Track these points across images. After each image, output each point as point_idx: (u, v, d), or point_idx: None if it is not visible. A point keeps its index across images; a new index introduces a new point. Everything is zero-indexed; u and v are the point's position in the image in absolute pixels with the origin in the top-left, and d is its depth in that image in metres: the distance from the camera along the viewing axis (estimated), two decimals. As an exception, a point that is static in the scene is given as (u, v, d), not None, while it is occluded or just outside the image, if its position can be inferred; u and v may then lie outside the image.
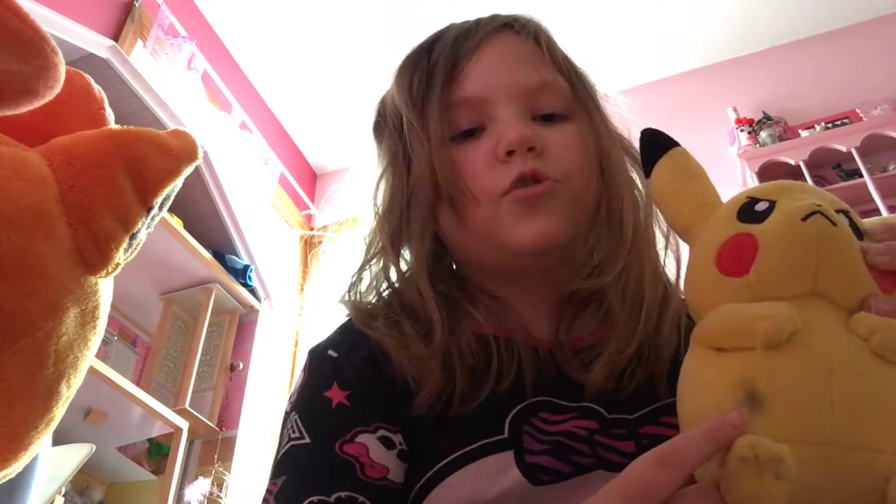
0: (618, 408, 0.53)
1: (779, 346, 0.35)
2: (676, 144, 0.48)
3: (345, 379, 0.54)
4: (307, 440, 0.52)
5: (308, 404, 0.55)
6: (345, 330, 0.60)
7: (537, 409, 0.52)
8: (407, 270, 0.61)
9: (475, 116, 0.59)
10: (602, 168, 0.60)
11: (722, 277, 0.40)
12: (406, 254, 0.62)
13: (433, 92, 0.59)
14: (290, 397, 0.57)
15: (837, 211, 0.40)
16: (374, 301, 0.62)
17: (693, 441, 0.34)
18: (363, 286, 0.63)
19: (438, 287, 0.58)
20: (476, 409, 0.51)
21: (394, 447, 0.52)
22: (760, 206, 0.41)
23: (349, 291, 0.64)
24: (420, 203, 0.59)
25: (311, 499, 0.48)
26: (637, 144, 0.51)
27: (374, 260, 0.63)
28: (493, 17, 0.66)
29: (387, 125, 0.66)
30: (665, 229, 0.60)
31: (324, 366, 0.57)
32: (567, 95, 0.61)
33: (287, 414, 0.56)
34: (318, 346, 0.59)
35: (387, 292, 0.62)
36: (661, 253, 0.60)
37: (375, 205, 0.64)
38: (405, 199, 0.60)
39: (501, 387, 0.52)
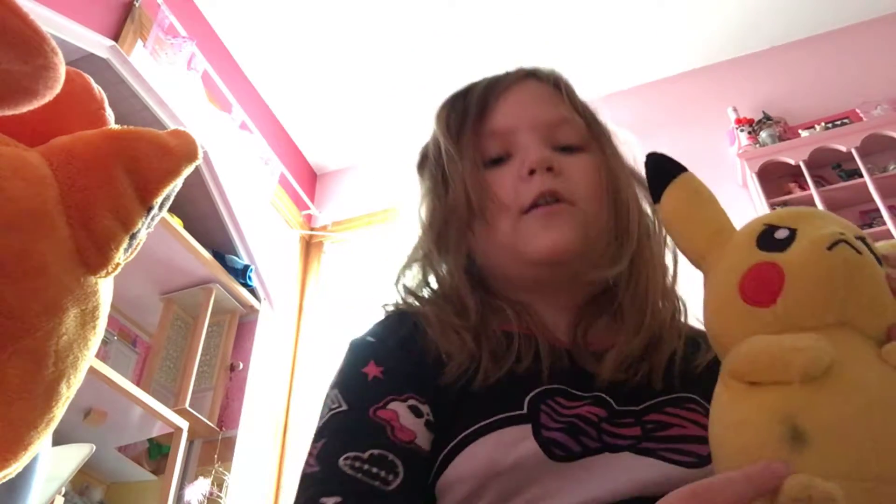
0: (625, 400, 0.58)
1: (816, 380, 0.35)
2: (684, 169, 0.49)
3: (380, 357, 0.62)
4: (345, 407, 0.59)
5: (347, 379, 0.63)
6: (383, 321, 0.70)
7: (554, 394, 0.58)
8: (445, 274, 0.70)
9: (503, 145, 0.69)
10: (613, 194, 0.67)
11: (746, 307, 0.40)
12: (443, 264, 0.71)
13: (467, 125, 0.71)
14: (332, 380, 0.65)
15: (856, 238, 0.39)
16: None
17: (732, 482, 0.35)
18: (408, 282, 0.73)
19: (472, 288, 0.67)
20: (498, 389, 0.58)
21: (421, 416, 0.58)
22: (780, 234, 0.41)
23: (396, 284, 0.73)
24: (456, 219, 0.68)
25: (347, 454, 0.54)
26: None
27: (417, 265, 0.73)
28: (519, 69, 0.79)
29: (428, 159, 0.77)
30: (674, 253, 0.67)
31: (362, 348, 0.65)
32: (583, 131, 0.71)
33: (328, 392, 0.64)
34: (357, 336, 0.68)
35: (426, 293, 0.72)
36: (671, 270, 0.67)
37: (420, 219, 0.75)
38: (443, 217, 0.70)
39: (520, 367, 0.59)
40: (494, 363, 0.59)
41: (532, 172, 0.65)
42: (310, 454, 0.57)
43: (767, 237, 0.41)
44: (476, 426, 0.56)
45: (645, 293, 0.64)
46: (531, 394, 0.57)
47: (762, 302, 0.39)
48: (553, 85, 0.76)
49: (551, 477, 0.53)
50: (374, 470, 0.53)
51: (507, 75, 0.77)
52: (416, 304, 0.69)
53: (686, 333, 0.65)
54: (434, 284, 0.71)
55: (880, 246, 0.42)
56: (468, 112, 0.72)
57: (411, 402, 0.58)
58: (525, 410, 0.56)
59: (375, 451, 0.54)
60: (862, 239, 0.40)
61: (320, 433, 0.59)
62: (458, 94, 0.77)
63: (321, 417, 0.61)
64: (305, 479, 0.56)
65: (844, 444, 0.34)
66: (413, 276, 0.73)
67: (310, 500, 0.53)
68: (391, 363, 0.61)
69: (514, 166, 0.67)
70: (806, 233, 0.40)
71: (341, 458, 0.54)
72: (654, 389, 0.59)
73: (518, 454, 0.53)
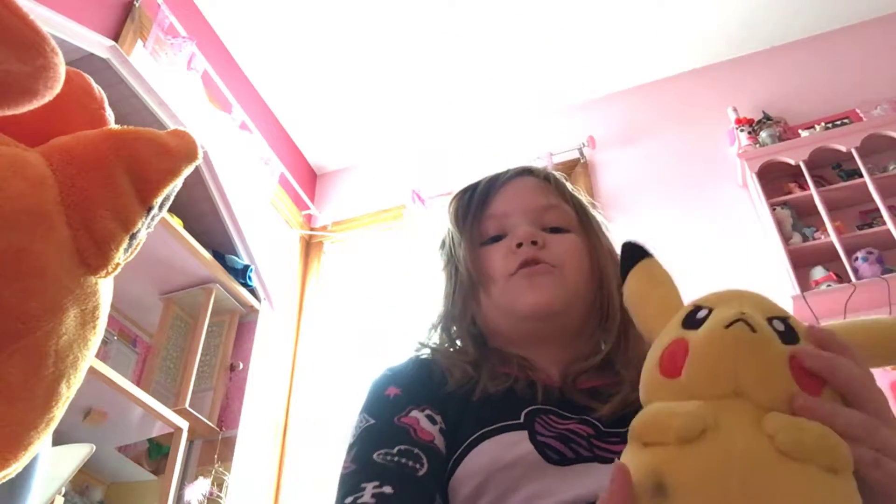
0: (610, 423, 0.67)
1: (690, 442, 0.39)
2: (649, 255, 0.54)
3: (398, 382, 0.74)
4: (372, 421, 0.69)
5: (371, 403, 0.73)
6: (403, 361, 0.81)
7: (547, 412, 0.67)
8: (455, 335, 0.85)
9: (498, 227, 0.82)
10: (598, 271, 0.80)
11: (661, 379, 0.44)
12: (454, 327, 0.85)
13: (470, 212, 0.85)
14: (358, 410, 0.75)
15: (774, 318, 0.44)
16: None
17: None
18: (434, 340, 0.86)
19: (475, 345, 0.81)
20: (497, 402, 0.69)
21: (436, 423, 0.68)
22: (700, 314, 0.45)
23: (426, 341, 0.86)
24: (462, 290, 0.82)
25: (378, 451, 0.64)
26: None
27: (436, 329, 0.86)
28: (518, 167, 0.90)
29: (445, 244, 0.89)
30: None
31: (383, 378, 0.76)
32: (571, 217, 0.83)
33: (356, 419, 0.73)
34: (376, 377, 0.79)
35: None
36: None
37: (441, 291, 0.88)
38: (452, 289, 0.84)
39: (518, 386, 0.71)
40: (492, 381, 0.71)
41: (519, 245, 0.77)
42: (344, 462, 0.66)
43: (691, 317, 0.46)
44: (480, 432, 0.65)
45: (638, 357, 0.71)
46: (527, 409, 0.67)
47: (671, 374, 0.44)
48: (544, 178, 0.87)
49: (547, 477, 0.60)
50: (403, 460, 0.63)
51: (507, 171, 0.89)
52: (431, 350, 0.82)
53: None
54: (446, 343, 0.84)
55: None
56: (472, 202, 0.85)
57: (427, 412, 0.69)
58: (521, 420, 0.66)
59: (402, 447, 0.64)
60: (784, 319, 0.44)
61: (352, 445, 0.68)
62: (467, 189, 0.89)
63: (351, 435, 0.70)
64: (343, 478, 0.64)
65: (699, 499, 0.37)
66: (434, 336, 0.86)
67: (351, 489, 0.61)
68: (407, 384, 0.73)
69: (506, 242, 0.80)
70: (716, 313, 0.44)
71: (374, 454, 0.64)
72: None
73: (516, 453, 0.62)
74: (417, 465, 0.62)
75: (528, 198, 0.83)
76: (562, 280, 0.76)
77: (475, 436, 0.65)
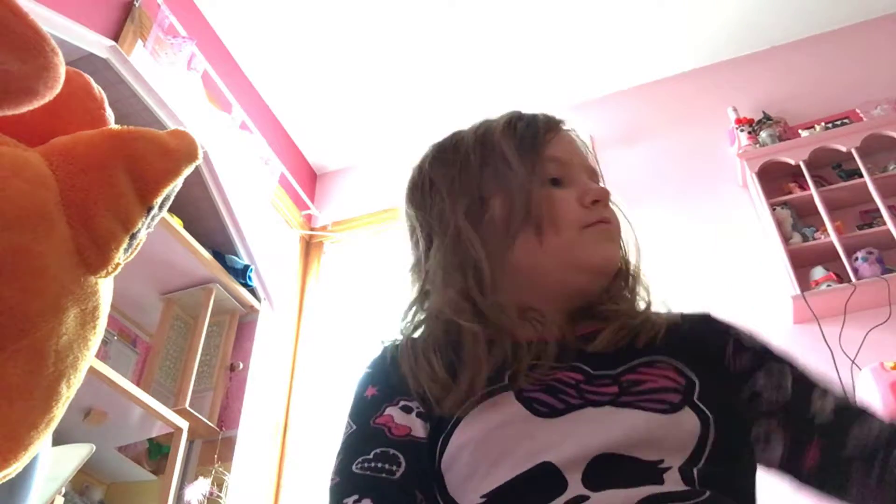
0: (600, 367, 0.66)
1: None
2: None
3: (375, 379, 0.73)
4: (354, 427, 0.69)
5: (354, 406, 0.72)
6: (378, 353, 0.79)
7: (531, 368, 0.66)
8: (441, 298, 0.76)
9: (559, 171, 0.77)
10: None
11: None
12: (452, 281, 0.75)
13: (535, 147, 0.78)
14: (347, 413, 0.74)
15: None
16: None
17: None
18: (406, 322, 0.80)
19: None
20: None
21: (412, 411, 0.68)
22: None
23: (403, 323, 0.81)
24: (502, 229, 0.74)
25: (357, 460, 0.64)
26: None
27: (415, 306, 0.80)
28: (559, 117, 0.85)
29: (461, 174, 0.79)
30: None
31: (364, 378, 0.75)
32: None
33: (345, 423, 0.72)
34: (361, 371, 0.78)
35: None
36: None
37: (450, 231, 0.77)
38: (485, 227, 0.75)
39: (497, 350, 0.68)
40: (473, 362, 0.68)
41: (595, 202, 0.75)
42: (332, 473, 0.67)
43: None
44: (464, 405, 0.64)
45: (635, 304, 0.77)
46: (510, 370, 0.66)
47: None
48: (581, 139, 0.85)
49: (541, 431, 0.60)
50: (380, 465, 0.63)
51: (556, 118, 0.85)
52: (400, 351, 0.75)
53: (667, 319, 0.73)
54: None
55: None
56: (536, 136, 0.79)
57: (402, 403, 0.68)
58: (506, 381, 0.65)
59: (378, 450, 0.64)
60: None
61: (338, 454, 0.68)
62: (519, 117, 0.84)
63: (340, 444, 0.70)
64: (330, 491, 0.64)
65: None
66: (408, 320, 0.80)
67: (338, 501, 0.61)
68: (382, 379, 0.72)
69: (572, 192, 0.75)
70: None
71: (353, 465, 0.64)
72: (631, 352, 0.67)
73: (503, 415, 0.62)
74: (394, 468, 0.62)
75: (584, 154, 0.82)
76: (619, 242, 0.77)
77: (462, 407, 0.64)
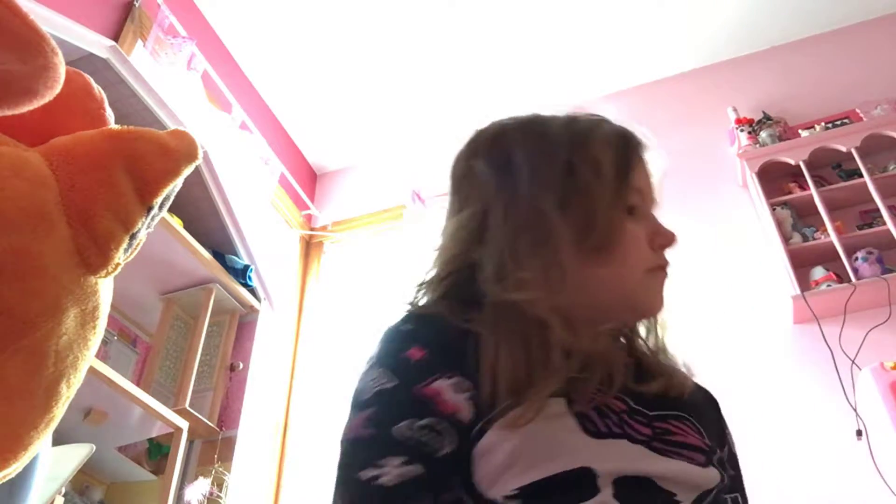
0: (638, 403, 0.65)
1: None
2: None
3: (423, 341, 0.66)
4: (393, 383, 0.63)
5: (390, 359, 0.66)
6: (421, 315, 0.72)
7: (584, 381, 0.63)
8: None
9: (637, 201, 0.76)
10: None
11: None
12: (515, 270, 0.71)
13: (625, 171, 0.76)
14: (370, 360, 0.68)
15: None
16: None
17: None
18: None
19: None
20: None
21: (463, 391, 0.62)
22: None
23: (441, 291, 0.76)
24: (576, 239, 0.70)
25: (401, 422, 0.60)
26: None
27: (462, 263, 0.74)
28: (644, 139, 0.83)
29: (548, 165, 0.76)
30: None
31: (404, 334, 0.69)
32: None
33: (368, 370, 0.67)
34: (393, 325, 0.71)
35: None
36: None
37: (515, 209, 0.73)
38: (553, 228, 0.71)
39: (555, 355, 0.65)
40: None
41: (662, 246, 0.75)
42: (357, 422, 0.62)
43: None
44: (530, 405, 0.60)
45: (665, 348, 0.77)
46: (568, 376, 0.63)
47: None
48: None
49: (587, 447, 0.59)
50: (426, 437, 0.59)
51: (646, 141, 0.84)
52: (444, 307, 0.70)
53: (691, 381, 0.74)
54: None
55: None
56: (629, 158, 0.78)
57: (456, 379, 0.63)
58: (565, 391, 0.62)
59: (426, 421, 0.60)
60: None
61: (367, 404, 0.63)
62: (610, 130, 0.82)
63: (363, 391, 0.65)
64: (359, 441, 0.61)
65: None
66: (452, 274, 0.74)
67: (369, 460, 0.58)
68: (434, 344, 0.66)
69: (644, 228, 0.74)
70: None
71: (396, 425, 0.59)
72: (662, 400, 0.67)
73: (556, 420, 0.60)
74: (438, 446, 0.59)
75: (656, 188, 0.79)
76: None
77: (489, 417, 0.61)
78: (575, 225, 0.70)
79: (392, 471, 0.57)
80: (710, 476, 0.62)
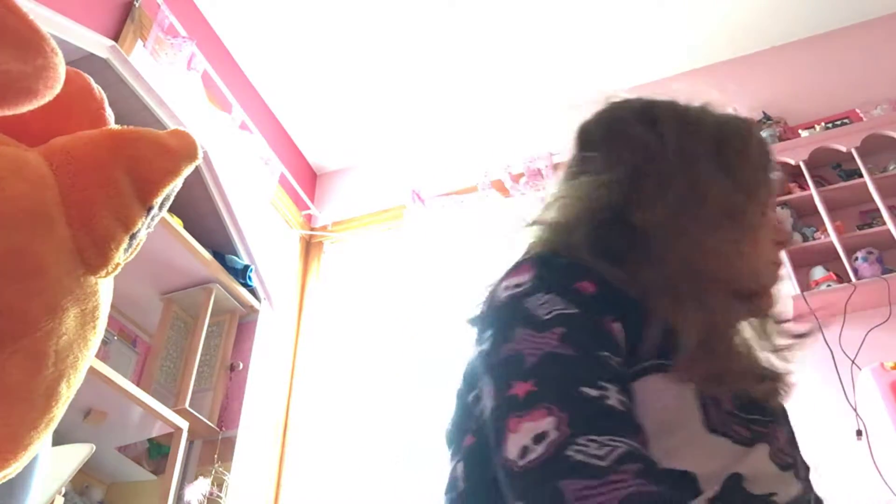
0: (751, 411, 0.63)
1: None
2: None
3: (592, 276, 0.62)
4: (574, 310, 0.59)
5: (561, 288, 0.61)
6: (574, 263, 0.66)
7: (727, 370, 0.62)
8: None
9: (769, 197, 0.77)
10: None
11: None
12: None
13: (768, 167, 0.79)
14: (524, 285, 0.62)
15: None
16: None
17: None
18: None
19: None
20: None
21: (623, 339, 0.60)
22: None
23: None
24: (715, 210, 0.69)
25: (601, 351, 0.56)
26: None
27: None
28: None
29: (693, 138, 0.76)
30: None
31: (571, 265, 0.64)
32: None
33: (526, 292, 0.61)
34: (543, 256, 0.67)
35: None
36: None
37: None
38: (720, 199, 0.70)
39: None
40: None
41: (779, 244, 0.77)
42: (548, 338, 0.57)
43: None
44: (651, 361, 0.59)
45: None
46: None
47: None
48: None
49: (699, 440, 0.57)
50: (622, 371, 0.57)
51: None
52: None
53: None
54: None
55: None
56: (770, 156, 0.81)
57: (618, 324, 0.60)
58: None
59: (615, 356, 0.57)
60: None
61: (549, 324, 0.58)
62: (756, 129, 0.86)
63: (534, 311, 0.60)
64: (562, 358, 0.55)
65: None
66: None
67: (588, 378, 0.54)
68: (603, 282, 0.62)
69: (770, 223, 0.76)
70: None
71: (598, 352, 0.56)
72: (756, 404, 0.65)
73: (679, 403, 0.58)
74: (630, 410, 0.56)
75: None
76: None
77: (647, 364, 0.59)
78: (735, 200, 0.71)
79: (614, 396, 0.53)
80: (798, 482, 0.62)
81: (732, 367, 0.62)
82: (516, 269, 0.65)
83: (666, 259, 0.65)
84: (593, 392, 0.53)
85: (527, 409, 0.52)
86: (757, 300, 0.72)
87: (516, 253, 0.74)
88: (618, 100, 0.85)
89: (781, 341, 0.75)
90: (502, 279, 0.66)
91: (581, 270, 0.63)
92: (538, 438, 0.50)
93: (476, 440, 0.64)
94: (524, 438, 0.51)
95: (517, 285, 0.63)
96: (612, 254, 0.66)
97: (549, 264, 0.65)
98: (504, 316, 0.61)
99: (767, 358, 0.72)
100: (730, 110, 0.86)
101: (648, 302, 0.62)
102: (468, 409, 0.66)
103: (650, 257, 0.66)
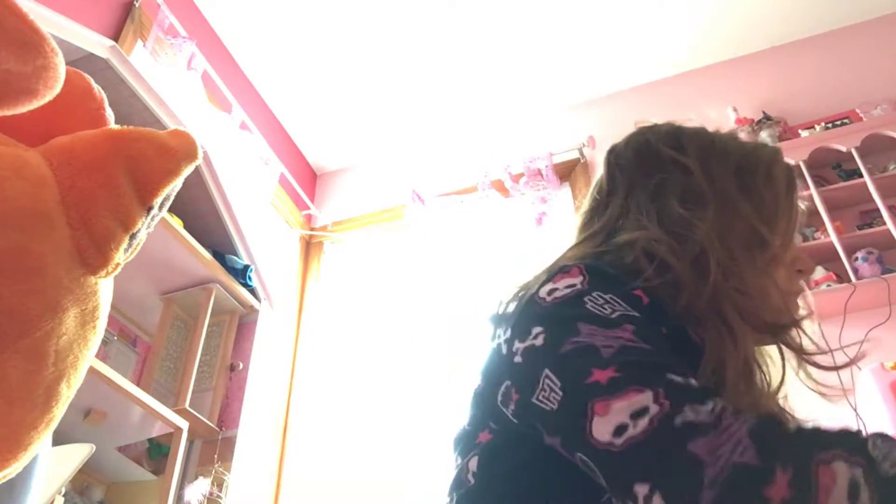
0: None
1: None
2: None
3: (642, 289, 0.64)
4: (635, 314, 0.60)
5: (621, 293, 0.62)
6: (613, 274, 0.67)
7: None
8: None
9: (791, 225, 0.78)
10: None
11: None
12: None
13: (795, 188, 0.79)
14: (572, 287, 0.63)
15: None
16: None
17: None
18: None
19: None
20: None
21: None
22: None
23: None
24: (745, 234, 0.72)
25: (668, 351, 0.57)
26: None
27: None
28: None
29: (749, 175, 0.77)
30: None
31: (615, 277, 0.65)
32: None
33: (586, 292, 0.62)
34: (590, 264, 0.67)
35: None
36: None
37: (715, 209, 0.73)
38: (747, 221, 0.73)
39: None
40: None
41: (799, 272, 0.79)
42: (621, 332, 0.57)
43: None
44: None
45: None
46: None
47: None
48: None
49: None
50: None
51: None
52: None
53: None
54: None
55: None
56: (795, 184, 0.80)
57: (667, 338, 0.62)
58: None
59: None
60: None
61: (619, 321, 0.58)
62: (782, 159, 0.82)
63: (600, 310, 0.60)
64: (638, 350, 0.55)
65: None
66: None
67: (671, 367, 0.54)
68: (652, 297, 0.64)
69: (794, 248, 0.78)
70: None
71: (668, 350, 0.57)
72: None
73: None
74: None
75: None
76: None
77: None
78: (761, 230, 0.72)
79: (692, 381, 0.53)
80: None
81: (767, 402, 0.65)
82: (563, 271, 0.65)
83: (704, 281, 0.66)
84: (679, 378, 0.53)
85: (614, 391, 0.52)
86: (783, 333, 0.73)
87: (548, 259, 0.74)
88: (646, 125, 0.86)
89: (814, 379, 0.78)
90: (546, 281, 0.65)
91: (630, 282, 0.65)
92: (637, 414, 0.50)
93: (493, 437, 0.64)
94: (618, 417, 0.50)
95: (569, 286, 0.63)
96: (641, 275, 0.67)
97: (601, 271, 0.65)
98: (559, 313, 0.61)
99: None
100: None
101: (688, 326, 0.65)
102: (490, 406, 0.65)
103: (679, 284, 0.67)
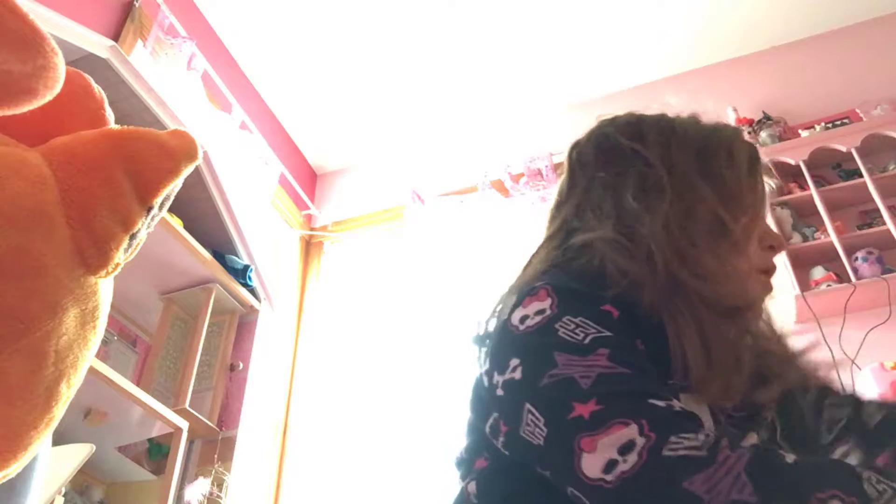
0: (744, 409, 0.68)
1: None
2: None
3: (613, 303, 0.63)
4: (608, 333, 0.59)
5: (590, 313, 0.61)
6: (586, 285, 0.67)
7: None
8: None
9: (757, 201, 0.77)
10: None
11: None
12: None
13: (757, 173, 0.79)
14: (548, 310, 0.62)
15: None
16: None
17: None
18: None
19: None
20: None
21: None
22: None
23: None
24: (706, 220, 0.71)
25: (648, 372, 0.57)
26: None
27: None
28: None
29: (704, 161, 0.77)
30: None
31: (589, 292, 0.64)
32: None
33: (555, 318, 0.61)
34: (556, 282, 0.66)
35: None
36: None
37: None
38: (704, 211, 0.72)
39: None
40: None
41: (770, 248, 0.77)
42: (595, 360, 0.57)
43: None
44: (678, 383, 0.61)
45: None
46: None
47: None
48: None
49: None
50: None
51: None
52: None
53: None
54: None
55: None
56: (758, 161, 0.80)
57: (643, 347, 0.62)
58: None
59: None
60: None
61: (591, 347, 0.58)
62: (742, 135, 0.85)
63: (571, 337, 0.59)
64: (616, 376, 0.55)
65: None
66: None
67: (652, 391, 0.54)
68: (622, 308, 0.63)
69: (761, 226, 0.76)
70: None
71: (645, 368, 0.57)
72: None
73: (704, 418, 0.59)
74: None
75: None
76: None
77: (673, 384, 0.61)
78: (721, 214, 0.71)
79: (676, 403, 0.54)
80: None
81: (739, 380, 0.63)
82: (531, 294, 0.64)
83: (657, 275, 0.65)
84: (660, 402, 0.53)
85: (598, 426, 0.52)
86: (741, 316, 0.70)
87: (516, 275, 0.75)
88: (606, 118, 0.88)
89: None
90: (515, 306, 0.65)
91: (600, 296, 0.63)
92: (625, 449, 0.50)
93: (489, 463, 0.65)
94: (606, 453, 0.50)
95: (539, 311, 0.62)
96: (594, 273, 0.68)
97: (568, 290, 0.64)
98: (533, 343, 0.61)
99: (782, 355, 0.74)
100: (724, 117, 0.85)
101: (663, 322, 0.64)
102: (483, 437, 0.66)
103: (645, 275, 0.66)
